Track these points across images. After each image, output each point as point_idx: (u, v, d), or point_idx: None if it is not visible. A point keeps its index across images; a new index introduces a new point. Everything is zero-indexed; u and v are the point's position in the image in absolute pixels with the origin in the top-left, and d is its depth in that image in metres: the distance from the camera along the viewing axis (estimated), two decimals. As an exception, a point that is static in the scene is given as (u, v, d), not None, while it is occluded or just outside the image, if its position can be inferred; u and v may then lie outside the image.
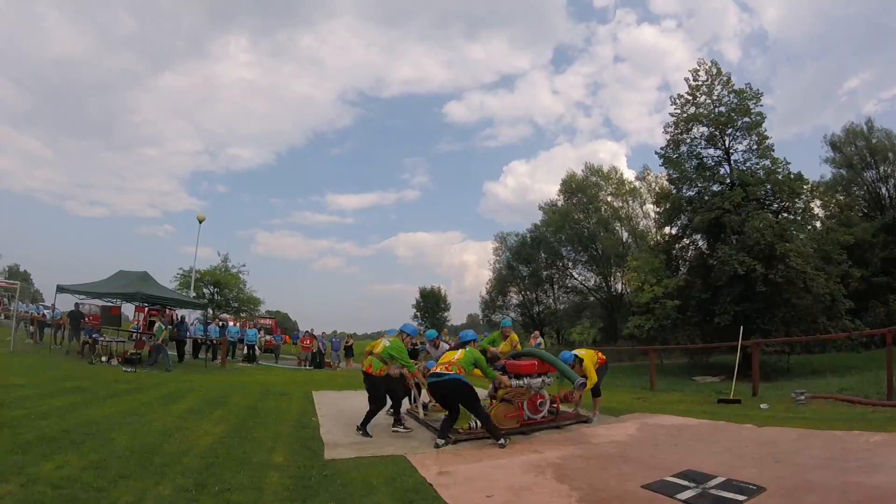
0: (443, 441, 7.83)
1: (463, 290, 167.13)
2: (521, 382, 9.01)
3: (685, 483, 5.58)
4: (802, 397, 11.81)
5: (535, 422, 9.29)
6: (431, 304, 70.44)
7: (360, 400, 9.90)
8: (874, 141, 44.27)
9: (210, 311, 33.15)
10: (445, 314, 71.35)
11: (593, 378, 9.91)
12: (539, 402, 9.45)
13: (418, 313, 70.15)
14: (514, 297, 57.83)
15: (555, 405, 9.86)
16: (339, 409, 10.88)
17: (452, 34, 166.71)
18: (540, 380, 9.29)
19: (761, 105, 32.14)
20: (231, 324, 32.42)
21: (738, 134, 32.49)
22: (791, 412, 10.59)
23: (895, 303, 35.20)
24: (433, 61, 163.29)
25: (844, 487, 5.13)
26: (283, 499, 5.27)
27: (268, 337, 35.35)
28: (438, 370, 8.36)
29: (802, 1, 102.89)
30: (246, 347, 28.55)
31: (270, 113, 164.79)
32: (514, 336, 11.42)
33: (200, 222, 33.44)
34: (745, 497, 5.08)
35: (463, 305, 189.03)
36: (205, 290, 46.17)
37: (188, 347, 25.24)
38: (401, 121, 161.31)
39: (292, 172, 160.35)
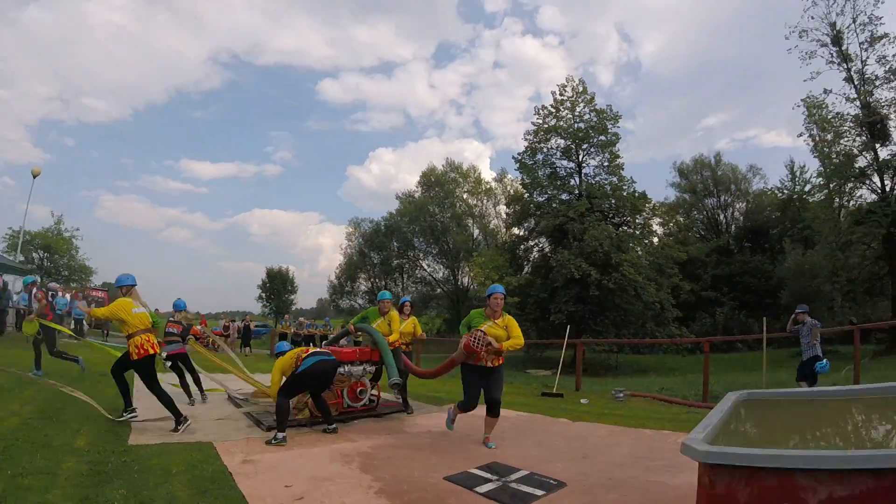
0: (283, 434, 7.26)
1: (316, 274, 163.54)
2: (341, 370, 8.91)
3: (488, 476, 5.65)
4: (621, 394, 12.48)
5: (354, 410, 9.21)
6: (278, 286, 68.46)
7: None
8: (719, 173, 50.05)
9: (38, 278, 30.88)
10: (292, 297, 69.53)
11: (395, 332, 9.20)
12: (359, 389, 9.33)
13: (263, 294, 68.08)
14: (363, 284, 57.90)
15: (375, 393, 9.89)
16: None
17: (341, 12, 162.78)
18: (361, 367, 9.22)
19: (618, 127, 34.80)
20: (60, 294, 30.24)
21: (592, 150, 34.90)
22: (608, 408, 11.00)
23: (721, 315, 39.52)
24: (316, 36, 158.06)
25: (646, 486, 5.33)
26: (75, 485, 4.92)
27: (99, 311, 33.24)
28: (324, 350, 8.25)
29: (682, 41, 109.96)
30: (73, 322, 25.93)
31: (134, 64, 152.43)
32: (394, 313, 9.58)
33: (35, 177, 30.52)
34: (544, 492, 5.16)
35: (316, 289, 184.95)
36: (34, 254, 42.70)
37: (10, 318, 23.28)
38: (272, 91, 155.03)
39: (148, 132, 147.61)
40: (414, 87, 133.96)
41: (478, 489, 5.24)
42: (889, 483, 1.97)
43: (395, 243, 55.39)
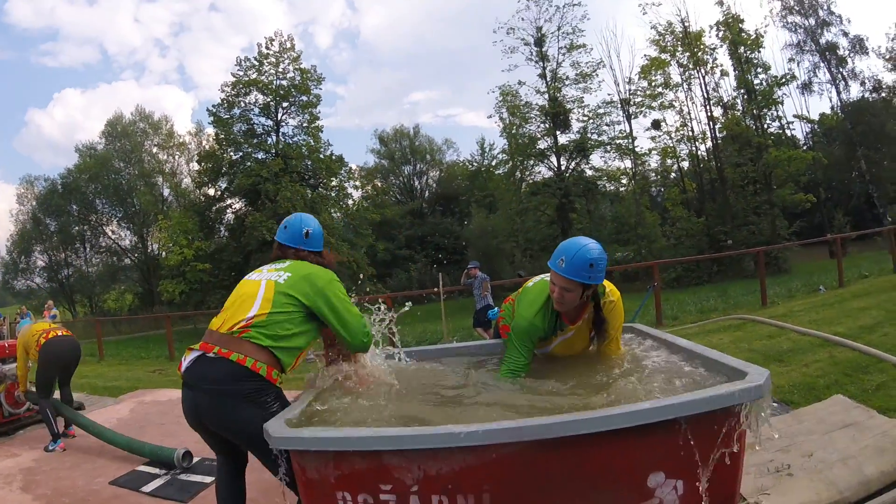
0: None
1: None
2: None
3: (156, 471, 5.23)
4: (312, 356, 12.40)
5: (18, 417, 7.53)
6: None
7: None
8: (417, 143, 54.96)
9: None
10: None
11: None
12: (16, 392, 7.90)
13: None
14: (41, 259, 47.07)
15: None
16: None
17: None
18: (13, 365, 7.79)
19: (320, 88, 35.41)
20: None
21: (292, 109, 34.96)
22: (295, 372, 10.77)
23: (415, 271, 43.53)
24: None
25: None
26: None
27: None
28: None
29: (404, 20, 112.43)
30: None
31: None
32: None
33: None
34: (213, 478, 4.64)
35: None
36: None
37: None
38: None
39: None
40: (116, 17, 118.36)
41: (144, 489, 4.86)
42: (493, 458, 1.94)
43: (73, 206, 45.28)
